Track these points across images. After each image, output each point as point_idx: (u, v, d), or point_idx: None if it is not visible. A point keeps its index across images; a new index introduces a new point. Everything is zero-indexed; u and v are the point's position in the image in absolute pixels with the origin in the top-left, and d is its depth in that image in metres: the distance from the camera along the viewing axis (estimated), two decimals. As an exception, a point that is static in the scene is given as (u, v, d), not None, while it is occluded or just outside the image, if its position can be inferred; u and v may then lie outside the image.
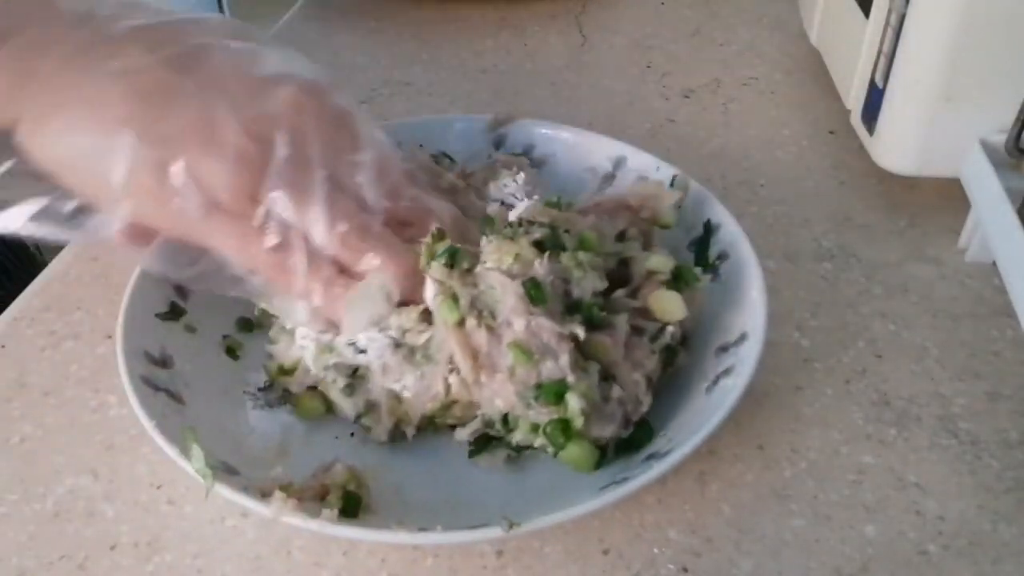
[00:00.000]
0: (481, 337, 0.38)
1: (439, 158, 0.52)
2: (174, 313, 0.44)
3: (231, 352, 0.45)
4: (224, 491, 0.35)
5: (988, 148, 0.47)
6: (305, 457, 0.40)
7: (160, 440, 0.37)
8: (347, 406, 0.41)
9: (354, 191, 0.40)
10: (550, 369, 0.38)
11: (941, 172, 0.51)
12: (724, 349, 0.42)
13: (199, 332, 0.45)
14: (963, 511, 0.39)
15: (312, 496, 0.37)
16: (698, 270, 0.43)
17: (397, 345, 0.40)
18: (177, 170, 0.37)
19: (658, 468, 0.36)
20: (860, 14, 0.54)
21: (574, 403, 0.37)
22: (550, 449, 0.39)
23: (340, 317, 0.40)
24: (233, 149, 0.37)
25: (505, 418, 0.39)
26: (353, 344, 0.41)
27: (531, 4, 0.79)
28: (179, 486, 0.41)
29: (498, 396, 0.39)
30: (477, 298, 0.39)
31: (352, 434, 0.42)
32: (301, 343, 0.42)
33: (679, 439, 0.38)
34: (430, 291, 0.39)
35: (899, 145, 0.51)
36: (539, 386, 0.38)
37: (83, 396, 0.45)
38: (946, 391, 0.44)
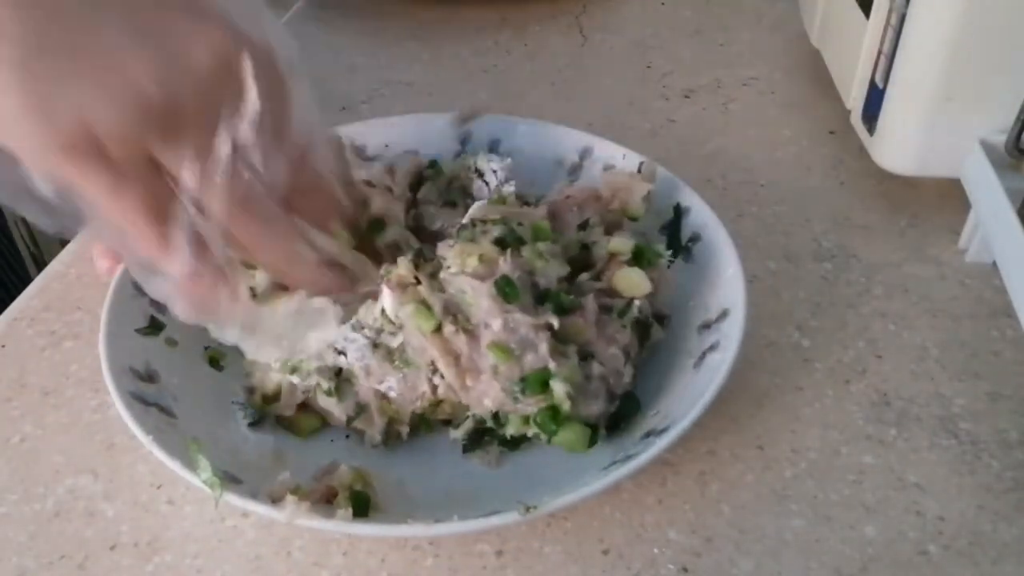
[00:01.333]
0: (460, 341, 0.38)
1: (424, 165, 0.51)
2: (154, 328, 0.44)
3: (214, 363, 0.45)
4: (234, 499, 0.35)
5: (988, 148, 0.47)
6: (303, 462, 0.40)
7: (161, 455, 0.36)
8: (338, 411, 0.41)
9: (257, 155, 0.35)
10: (531, 361, 0.38)
11: (941, 172, 0.51)
12: (706, 326, 0.43)
13: (181, 345, 0.44)
14: (963, 511, 0.39)
15: (319, 498, 0.37)
16: (660, 247, 0.45)
17: (375, 345, 0.40)
18: (65, 110, 0.31)
19: (659, 443, 0.36)
20: (860, 14, 0.54)
21: (559, 389, 0.38)
22: (543, 436, 0.39)
23: (207, 307, 0.37)
24: (134, 95, 0.31)
25: (496, 414, 0.40)
26: (332, 346, 0.41)
27: (531, 4, 0.79)
28: (179, 486, 0.41)
29: (485, 396, 0.39)
30: (447, 302, 0.39)
31: (348, 436, 0.42)
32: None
33: (674, 415, 0.38)
34: (388, 301, 0.40)
35: (899, 145, 0.51)
36: (523, 379, 0.38)
37: (83, 396, 0.45)
38: (946, 391, 0.44)
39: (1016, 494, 0.39)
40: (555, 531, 0.39)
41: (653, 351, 0.44)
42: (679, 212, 0.48)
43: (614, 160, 0.51)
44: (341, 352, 0.41)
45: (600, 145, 0.52)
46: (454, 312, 0.39)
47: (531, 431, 0.40)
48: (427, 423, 0.42)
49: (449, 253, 0.40)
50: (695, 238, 0.47)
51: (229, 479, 0.36)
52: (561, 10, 0.79)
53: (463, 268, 0.40)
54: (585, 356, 0.40)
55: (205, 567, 0.38)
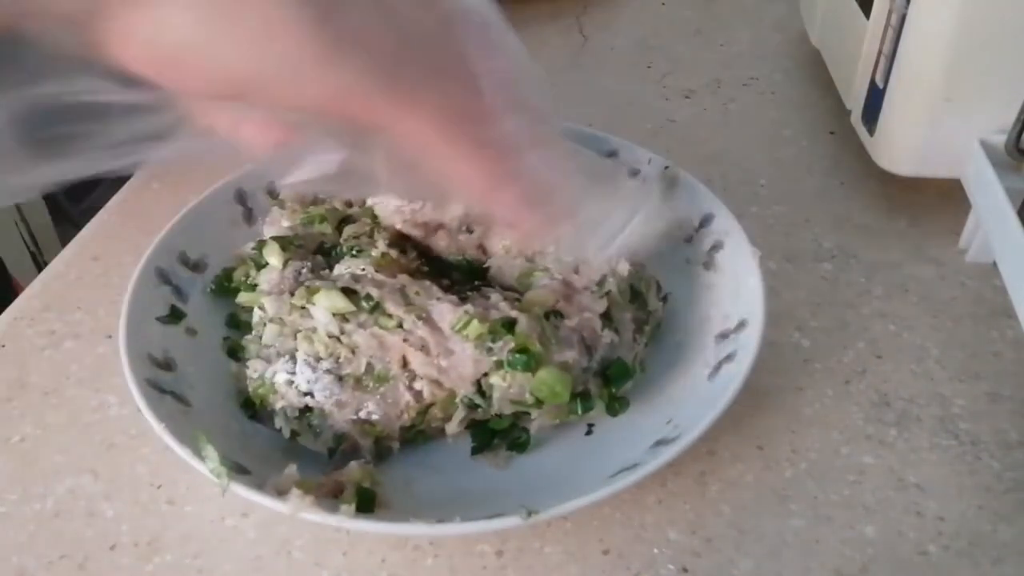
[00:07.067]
0: (423, 331, 0.39)
1: None
2: (174, 316, 0.44)
3: (233, 354, 0.45)
4: (240, 490, 0.35)
5: (988, 148, 0.47)
6: (315, 456, 0.40)
7: (172, 443, 0.36)
8: (318, 447, 0.40)
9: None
10: (495, 315, 0.39)
11: (941, 173, 0.51)
12: (724, 336, 0.43)
13: (200, 334, 0.44)
14: (963, 511, 0.39)
15: (326, 493, 0.37)
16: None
17: (340, 378, 0.39)
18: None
19: (667, 453, 0.36)
20: (860, 14, 0.54)
21: (524, 322, 0.38)
22: (529, 396, 0.38)
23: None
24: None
25: (481, 390, 0.39)
26: (294, 385, 0.40)
27: (531, 4, 0.79)
28: (179, 486, 0.41)
29: (463, 365, 0.39)
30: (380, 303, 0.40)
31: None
32: (250, 378, 0.41)
33: (685, 425, 0.38)
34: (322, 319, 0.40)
35: (899, 145, 0.51)
36: (491, 329, 0.38)
37: (83, 396, 0.45)
38: (946, 391, 0.44)
39: (1016, 494, 0.39)
40: (555, 531, 0.39)
41: (660, 339, 0.44)
42: (702, 221, 0.48)
43: (639, 164, 0.51)
44: (307, 393, 0.39)
45: (625, 149, 0.52)
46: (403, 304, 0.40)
47: (512, 386, 0.38)
48: (423, 435, 0.41)
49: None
50: (717, 246, 0.47)
51: (238, 470, 0.36)
52: (561, 10, 0.79)
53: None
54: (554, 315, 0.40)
55: (205, 567, 0.38)
